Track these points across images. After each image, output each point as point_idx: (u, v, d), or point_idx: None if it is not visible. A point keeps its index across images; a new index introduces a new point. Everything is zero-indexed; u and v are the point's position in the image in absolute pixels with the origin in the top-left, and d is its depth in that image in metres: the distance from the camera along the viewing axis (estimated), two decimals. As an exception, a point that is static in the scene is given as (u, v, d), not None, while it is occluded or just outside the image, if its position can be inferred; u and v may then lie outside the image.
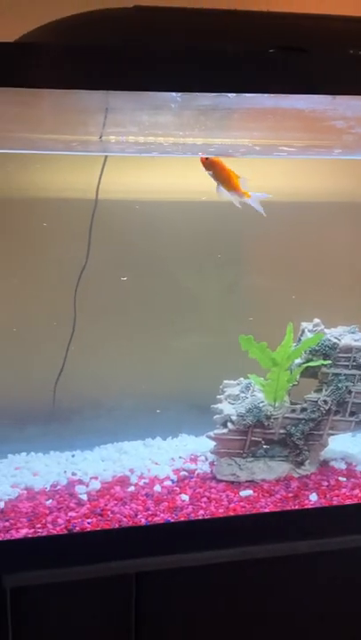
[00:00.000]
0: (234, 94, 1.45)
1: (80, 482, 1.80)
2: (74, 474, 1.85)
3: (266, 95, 1.51)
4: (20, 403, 2.04)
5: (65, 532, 1.60)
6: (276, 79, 1.45)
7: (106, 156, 1.94)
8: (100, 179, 1.95)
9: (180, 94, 1.42)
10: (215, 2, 1.60)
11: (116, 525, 1.63)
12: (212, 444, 1.87)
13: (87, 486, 1.78)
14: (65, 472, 1.86)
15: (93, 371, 2.08)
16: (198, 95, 1.56)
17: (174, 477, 1.84)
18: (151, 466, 1.90)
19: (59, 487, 1.79)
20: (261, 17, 1.62)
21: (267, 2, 1.77)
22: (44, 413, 2.05)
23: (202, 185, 2.05)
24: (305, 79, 1.43)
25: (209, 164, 1.78)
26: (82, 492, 1.75)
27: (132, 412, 2.09)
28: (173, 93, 1.42)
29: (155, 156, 1.95)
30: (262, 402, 1.81)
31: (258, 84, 1.46)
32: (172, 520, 1.65)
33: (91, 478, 1.82)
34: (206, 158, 1.78)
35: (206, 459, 1.94)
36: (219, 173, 1.79)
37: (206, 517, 1.67)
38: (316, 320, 1.88)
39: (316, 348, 1.82)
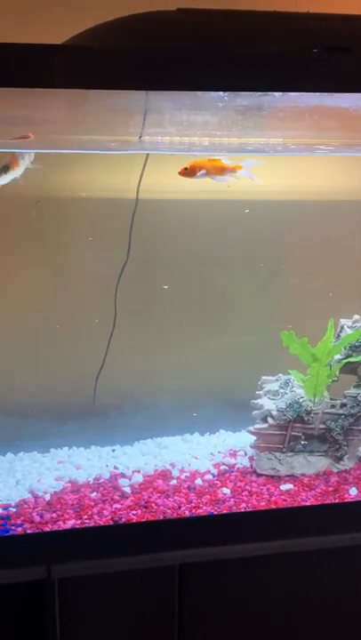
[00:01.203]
0: (279, 94, 1.48)
1: (122, 475, 1.84)
2: (116, 467, 1.89)
3: (307, 94, 1.54)
4: (61, 399, 2.08)
5: (111, 523, 1.63)
6: (319, 78, 1.47)
7: (147, 156, 1.98)
8: (140, 178, 1.98)
9: (227, 94, 1.44)
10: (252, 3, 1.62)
11: (161, 517, 1.66)
12: (251, 439, 1.90)
13: (130, 479, 1.81)
14: (107, 466, 1.90)
15: (132, 367, 2.12)
16: (236, 95, 1.59)
17: (215, 471, 1.87)
18: (191, 460, 1.93)
19: (102, 480, 1.82)
20: (303, 18, 1.64)
21: (305, 4, 1.79)
22: (84, 409, 2.09)
23: (238, 184, 2.09)
24: (349, 78, 1.46)
25: (190, 171, 1.80)
26: (125, 484, 1.78)
27: (170, 408, 2.12)
28: (221, 93, 1.45)
29: (194, 154, 1.98)
30: (302, 397, 1.83)
31: (301, 82, 1.48)
32: (216, 512, 1.68)
33: (133, 472, 1.85)
34: (185, 168, 1.80)
35: (245, 453, 1.96)
36: (204, 169, 1.81)
37: (249, 510, 1.69)
38: (356, 316, 1.90)
39: (356, 344, 1.84)
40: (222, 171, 1.82)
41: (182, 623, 1.67)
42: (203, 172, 1.82)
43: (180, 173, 1.81)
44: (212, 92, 1.53)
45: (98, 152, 1.91)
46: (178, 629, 1.67)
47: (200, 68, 1.41)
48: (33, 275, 2.03)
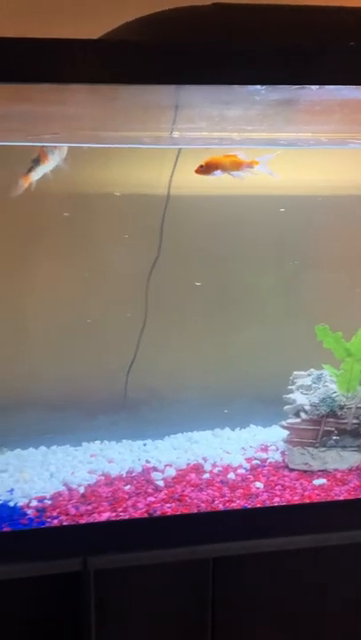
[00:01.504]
0: (315, 87, 1.48)
1: (155, 469, 1.85)
2: (148, 461, 1.90)
3: (342, 87, 1.54)
4: (93, 393, 2.09)
5: (146, 516, 1.64)
6: (354, 71, 1.47)
7: (179, 151, 1.98)
8: (172, 173, 1.99)
9: (263, 87, 1.44)
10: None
11: (195, 510, 1.66)
12: (282, 434, 1.90)
13: (162, 473, 1.82)
14: (139, 459, 1.91)
15: (163, 362, 2.12)
16: (269, 90, 1.59)
17: (247, 465, 1.87)
18: (223, 454, 1.94)
19: (135, 473, 1.83)
20: (335, 11, 1.64)
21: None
22: (115, 403, 2.10)
23: (269, 179, 2.09)
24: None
25: (206, 168, 1.81)
26: (158, 478, 1.79)
27: (200, 403, 2.12)
28: (257, 86, 1.45)
29: (225, 147, 1.98)
30: (335, 392, 1.83)
31: (334, 75, 1.48)
32: (249, 506, 1.69)
33: (165, 465, 1.86)
34: (200, 166, 1.81)
35: (277, 448, 1.97)
36: (221, 166, 1.81)
37: (283, 504, 1.69)
38: (390, 311, 1.89)
39: (390, 338, 1.83)
40: (239, 166, 1.82)
41: (216, 616, 1.68)
42: (218, 170, 1.82)
43: (196, 171, 1.82)
44: (247, 86, 1.53)
45: (130, 146, 1.91)
46: (212, 622, 1.67)
47: (234, 61, 1.41)
48: (65, 269, 2.04)
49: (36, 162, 1.81)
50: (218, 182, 2.08)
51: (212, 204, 2.07)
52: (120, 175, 2.05)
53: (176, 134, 1.92)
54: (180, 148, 1.96)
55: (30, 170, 1.79)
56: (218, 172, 1.82)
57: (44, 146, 1.81)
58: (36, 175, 1.81)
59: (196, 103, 1.81)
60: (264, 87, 1.45)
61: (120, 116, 1.88)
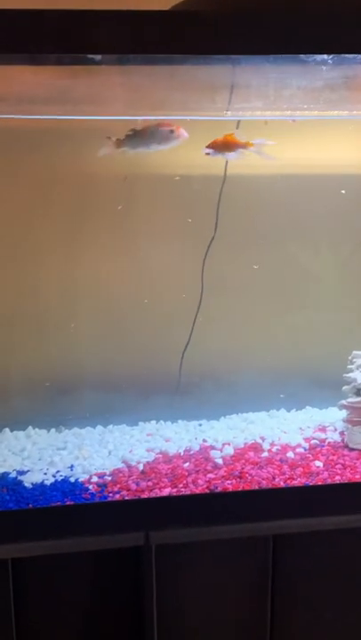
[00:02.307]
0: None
1: (213, 447, 1.85)
2: (205, 440, 1.90)
3: None
4: (149, 374, 2.10)
5: (207, 491, 1.64)
6: None
7: (238, 122, 1.96)
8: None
9: (331, 57, 1.43)
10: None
11: (256, 487, 1.66)
12: (340, 415, 1.88)
13: (221, 451, 1.82)
14: (196, 439, 1.91)
15: (218, 344, 2.12)
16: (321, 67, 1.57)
17: (306, 445, 1.86)
18: (281, 434, 1.93)
19: (192, 452, 1.84)
20: None
21: None
22: (170, 385, 2.10)
23: (328, 160, 2.07)
24: None
25: (213, 147, 1.81)
26: (217, 456, 1.79)
27: (255, 384, 2.12)
28: (325, 56, 1.43)
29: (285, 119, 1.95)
30: (396, 370, 1.81)
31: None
32: (311, 484, 1.67)
33: (223, 444, 1.86)
34: (207, 150, 1.81)
35: (335, 429, 1.95)
36: (218, 145, 1.81)
37: (345, 482, 1.68)
38: None
39: None
40: (234, 146, 1.81)
41: (275, 594, 1.67)
42: (210, 150, 1.82)
43: (207, 152, 1.82)
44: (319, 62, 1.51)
45: (187, 117, 1.90)
46: (271, 600, 1.67)
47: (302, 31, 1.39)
48: (122, 250, 2.05)
49: (136, 134, 1.77)
50: (276, 162, 2.07)
51: (269, 184, 2.05)
52: (178, 156, 2.04)
53: (229, 113, 1.92)
54: (239, 123, 1.94)
55: (126, 138, 1.75)
56: (214, 153, 1.82)
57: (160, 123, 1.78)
58: (129, 144, 1.78)
59: (250, 84, 1.80)
60: (331, 57, 1.43)
61: (176, 96, 1.89)
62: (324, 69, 1.55)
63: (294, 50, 1.42)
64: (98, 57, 1.42)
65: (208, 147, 1.82)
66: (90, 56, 1.41)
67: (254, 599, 1.68)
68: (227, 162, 1.99)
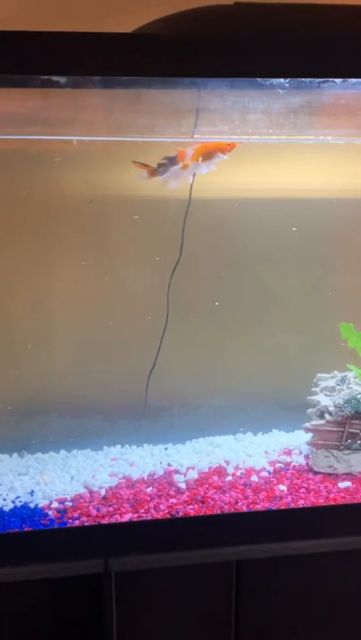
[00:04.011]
0: (339, 81, 1.47)
1: (177, 472, 1.83)
2: (169, 464, 1.88)
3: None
4: (114, 398, 2.08)
5: (168, 517, 1.62)
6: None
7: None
8: (193, 177, 1.99)
9: (287, 81, 1.44)
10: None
11: (219, 512, 1.64)
12: (305, 438, 1.87)
13: (185, 475, 1.79)
14: (160, 463, 1.89)
15: (184, 367, 2.11)
16: (287, 93, 1.59)
17: (270, 469, 1.84)
18: (246, 458, 1.91)
19: (156, 476, 1.81)
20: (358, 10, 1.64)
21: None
22: (136, 409, 2.08)
23: (291, 183, 2.09)
24: None
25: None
26: (180, 480, 1.77)
27: (221, 408, 2.11)
28: (282, 80, 1.45)
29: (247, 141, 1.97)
30: (360, 393, 1.80)
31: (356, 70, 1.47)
32: (274, 508, 1.66)
33: (187, 468, 1.84)
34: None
35: (300, 452, 1.94)
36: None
37: (308, 506, 1.66)
38: None
39: None
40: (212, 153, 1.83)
41: (239, 619, 1.64)
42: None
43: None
44: (275, 86, 1.53)
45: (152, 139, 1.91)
46: (235, 625, 1.64)
47: (255, 55, 1.41)
48: (85, 274, 2.04)
49: (171, 161, 1.81)
50: (239, 185, 2.09)
51: (233, 207, 2.06)
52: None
53: (198, 136, 1.93)
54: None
55: (160, 166, 1.79)
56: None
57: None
58: (163, 173, 1.80)
59: (216, 108, 1.81)
60: (287, 81, 1.44)
61: (142, 120, 1.90)
62: (282, 93, 1.57)
63: (251, 74, 1.44)
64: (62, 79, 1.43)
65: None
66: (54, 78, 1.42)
67: (218, 626, 1.65)
68: (191, 185, 2.00)
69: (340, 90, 1.56)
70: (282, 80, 1.44)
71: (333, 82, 1.45)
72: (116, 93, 1.67)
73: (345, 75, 1.47)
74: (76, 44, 1.39)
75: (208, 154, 1.85)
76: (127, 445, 2.03)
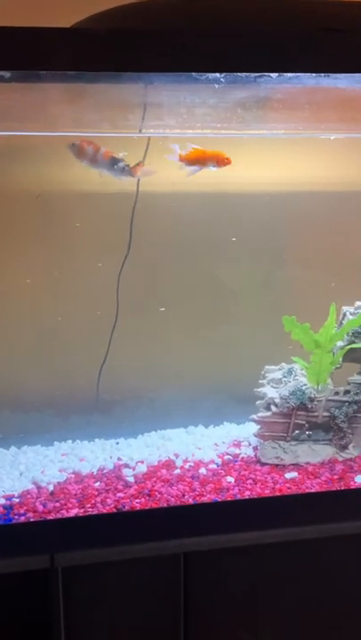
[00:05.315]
0: (274, 75, 1.48)
1: (126, 465, 1.83)
2: (119, 459, 1.88)
3: (304, 78, 1.54)
4: (65, 393, 2.08)
5: (114, 511, 1.62)
6: (315, 59, 1.47)
7: (146, 149, 1.98)
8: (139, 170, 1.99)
9: (223, 76, 1.45)
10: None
11: (165, 505, 1.65)
12: (255, 429, 1.89)
13: (134, 469, 1.80)
14: (110, 457, 1.90)
15: (135, 361, 2.11)
16: (235, 87, 1.60)
17: (219, 461, 1.86)
18: (195, 451, 1.92)
19: (105, 471, 1.82)
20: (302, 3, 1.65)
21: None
22: (88, 403, 2.09)
23: (240, 177, 2.10)
24: (344, 59, 1.46)
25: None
26: (129, 474, 1.78)
27: (173, 401, 2.11)
28: (211, 77, 1.45)
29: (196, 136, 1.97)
30: (305, 385, 1.83)
31: (296, 63, 1.48)
32: (220, 500, 1.67)
33: (137, 462, 1.85)
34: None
35: (249, 444, 1.96)
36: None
37: (254, 497, 1.68)
38: (359, 303, 1.90)
39: (359, 330, 1.83)
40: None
41: (188, 611, 1.65)
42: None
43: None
44: (211, 81, 1.53)
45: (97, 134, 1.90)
46: (184, 618, 1.65)
47: (197, 49, 1.41)
48: (35, 269, 2.03)
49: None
50: (189, 179, 2.09)
51: (182, 201, 2.07)
52: (89, 173, 2.05)
53: (147, 131, 1.93)
54: (149, 142, 1.95)
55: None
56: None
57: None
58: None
59: (163, 102, 1.82)
60: (223, 76, 1.45)
61: (89, 115, 1.89)
62: (218, 87, 1.57)
63: (190, 68, 1.44)
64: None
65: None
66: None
67: (167, 619, 1.66)
68: (138, 180, 2.00)
69: (284, 85, 1.58)
70: (217, 75, 1.44)
71: (269, 76, 1.45)
72: (60, 87, 1.66)
73: (285, 69, 1.49)
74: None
75: (204, 160, 1.85)
76: (78, 440, 2.02)
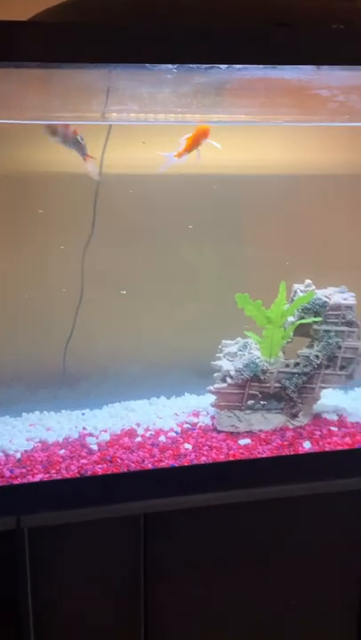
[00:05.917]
0: (225, 67, 1.57)
1: (91, 434, 1.94)
2: (84, 428, 1.99)
3: (255, 68, 1.63)
4: (34, 367, 2.17)
5: (77, 476, 1.73)
6: (264, 51, 1.57)
7: (108, 133, 2.06)
8: (103, 153, 2.07)
9: (175, 67, 1.53)
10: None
11: (125, 470, 1.76)
12: (213, 399, 2.00)
13: (97, 438, 1.91)
14: (76, 427, 2.00)
15: (101, 336, 2.21)
16: (194, 73, 1.69)
17: (178, 429, 1.97)
18: (156, 420, 2.03)
19: (71, 439, 1.92)
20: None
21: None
22: (54, 378, 2.18)
23: (199, 159, 2.18)
24: (290, 51, 1.55)
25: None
26: (92, 442, 1.88)
27: (138, 375, 2.22)
28: (170, 66, 1.54)
29: (155, 124, 2.05)
30: (258, 358, 1.94)
31: (249, 56, 1.57)
32: (177, 465, 1.79)
33: (101, 431, 1.96)
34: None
35: (208, 413, 2.07)
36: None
37: (208, 462, 1.80)
38: (308, 281, 2.01)
39: (308, 306, 1.94)
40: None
41: (148, 570, 1.78)
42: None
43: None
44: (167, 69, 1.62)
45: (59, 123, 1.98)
46: (144, 575, 1.78)
47: (152, 42, 1.49)
48: (3, 247, 2.11)
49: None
50: (148, 162, 2.17)
51: (145, 182, 2.15)
52: (55, 156, 2.12)
53: (110, 116, 2.00)
54: (111, 126, 2.03)
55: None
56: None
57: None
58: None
59: (126, 87, 1.89)
60: (175, 67, 1.54)
61: (53, 100, 1.96)
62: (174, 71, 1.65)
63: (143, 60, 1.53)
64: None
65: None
66: None
67: (129, 575, 1.78)
68: (101, 162, 2.08)
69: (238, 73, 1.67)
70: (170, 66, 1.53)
71: (219, 67, 1.55)
72: (22, 73, 1.73)
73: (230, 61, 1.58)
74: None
75: (197, 141, 1.94)
76: (46, 412, 2.12)
